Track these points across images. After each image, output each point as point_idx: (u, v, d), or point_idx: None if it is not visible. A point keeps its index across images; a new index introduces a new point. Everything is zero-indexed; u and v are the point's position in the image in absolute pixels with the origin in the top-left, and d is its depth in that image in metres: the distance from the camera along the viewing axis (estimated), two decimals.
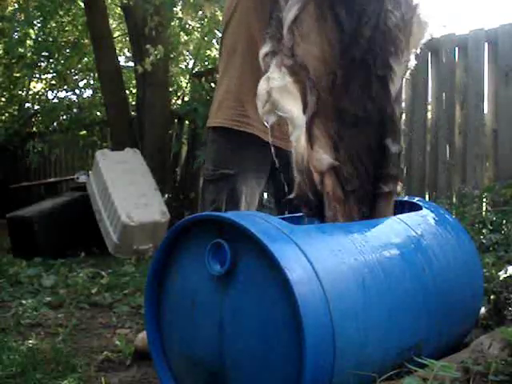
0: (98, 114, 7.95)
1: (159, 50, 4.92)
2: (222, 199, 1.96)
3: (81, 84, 8.61)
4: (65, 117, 8.25)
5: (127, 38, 7.17)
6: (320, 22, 1.62)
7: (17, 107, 9.48)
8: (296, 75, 1.61)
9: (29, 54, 7.77)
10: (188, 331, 1.50)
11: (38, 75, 9.05)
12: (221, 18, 5.65)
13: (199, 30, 6.75)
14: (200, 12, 5.73)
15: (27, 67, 8.08)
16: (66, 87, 8.57)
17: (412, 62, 1.72)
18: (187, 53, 7.36)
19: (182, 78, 7.74)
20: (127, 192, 4.74)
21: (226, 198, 1.96)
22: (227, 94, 2.03)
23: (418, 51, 1.74)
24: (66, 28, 8.21)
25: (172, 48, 6.35)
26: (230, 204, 1.95)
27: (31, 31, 7.47)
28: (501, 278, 2.16)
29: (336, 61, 1.63)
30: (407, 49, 1.67)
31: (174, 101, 6.83)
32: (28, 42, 7.58)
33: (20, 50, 7.39)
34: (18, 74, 8.97)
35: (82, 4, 6.51)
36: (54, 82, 9.03)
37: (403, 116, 4.35)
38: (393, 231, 1.66)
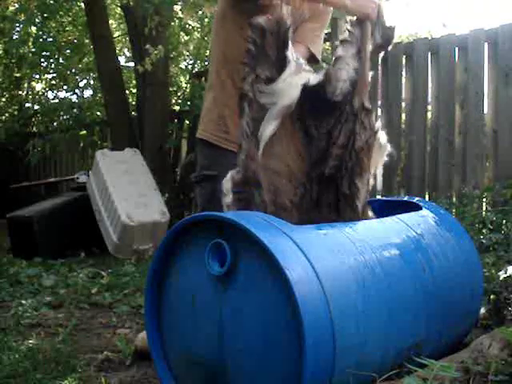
0: (98, 113, 7.94)
1: (159, 50, 4.92)
2: (205, 200, 2.04)
3: (81, 84, 8.62)
4: (65, 117, 8.25)
5: (127, 38, 7.17)
6: (292, 136, 1.70)
7: (17, 107, 9.48)
8: (239, 193, 1.70)
9: (29, 55, 7.77)
10: (188, 331, 1.50)
11: (38, 75, 9.05)
12: None
13: (199, 30, 6.75)
14: (200, 12, 5.73)
15: (30, 66, 8.07)
16: (66, 87, 8.57)
17: (372, 182, 1.81)
18: (187, 53, 7.36)
19: (182, 78, 7.74)
20: (127, 192, 4.74)
21: (208, 197, 2.03)
22: (212, 105, 2.11)
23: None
24: (67, 28, 8.22)
25: (172, 48, 6.34)
26: (212, 204, 1.99)
27: (33, 30, 7.46)
28: (501, 278, 2.16)
29: (305, 174, 1.72)
30: (369, 170, 1.76)
31: (174, 101, 6.83)
32: (29, 42, 7.58)
33: (22, 50, 7.39)
34: (18, 74, 8.97)
35: (82, 4, 6.51)
36: (54, 82, 9.03)
37: (403, 116, 4.38)
38: (393, 231, 1.66)
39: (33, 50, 7.62)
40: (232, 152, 2.03)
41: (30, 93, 9.51)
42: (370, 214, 1.79)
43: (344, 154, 1.71)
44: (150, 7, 5.02)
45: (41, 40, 7.53)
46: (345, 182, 1.72)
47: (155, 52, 4.90)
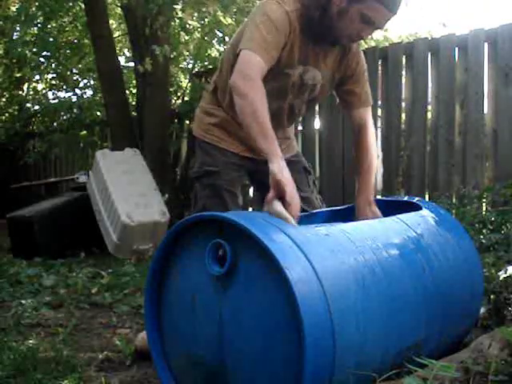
0: (98, 113, 7.94)
1: (165, 50, 4.91)
2: (207, 195, 2.05)
3: (81, 84, 8.61)
4: (65, 117, 8.25)
5: (127, 38, 7.16)
6: None
7: (17, 107, 9.48)
8: None
9: (29, 55, 7.75)
10: (188, 331, 1.50)
11: (38, 75, 9.05)
12: (221, 18, 5.66)
13: (199, 29, 6.75)
14: (203, 9, 5.71)
15: (32, 67, 8.07)
16: (66, 87, 8.57)
17: None
18: (187, 53, 7.35)
19: (182, 78, 7.73)
20: (127, 192, 4.74)
21: (210, 192, 2.04)
22: (215, 110, 2.11)
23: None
24: (67, 28, 8.21)
25: (172, 48, 6.33)
26: (215, 199, 2.02)
27: (34, 30, 7.45)
28: (501, 278, 2.16)
29: None
30: None
31: (174, 101, 6.83)
32: (31, 42, 7.57)
33: (24, 50, 7.37)
34: (18, 74, 8.96)
35: (82, 4, 6.50)
36: (54, 82, 9.02)
37: (403, 116, 4.38)
38: (393, 231, 1.66)
39: (34, 49, 7.60)
40: (231, 152, 2.07)
41: (30, 93, 9.51)
42: None
43: None
44: (154, 7, 5.01)
45: (41, 40, 7.51)
46: None
47: (158, 52, 4.88)
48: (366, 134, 2.05)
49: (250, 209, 5.08)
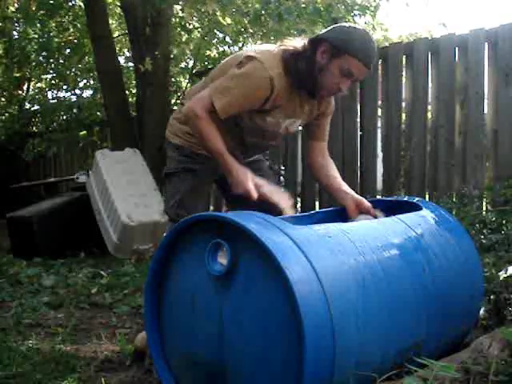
0: (98, 114, 7.93)
1: (180, 51, 4.91)
2: (183, 190, 2.15)
3: (81, 84, 8.61)
4: (65, 117, 8.25)
5: (127, 38, 7.16)
6: None
7: (17, 107, 9.47)
8: None
9: (33, 55, 7.74)
10: (188, 331, 1.50)
11: (38, 75, 9.05)
12: (220, 19, 5.66)
13: (199, 29, 6.75)
14: (201, 9, 5.71)
15: (35, 65, 8.05)
16: (66, 87, 8.56)
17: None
18: (188, 52, 7.35)
19: (182, 78, 7.73)
20: (127, 192, 4.73)
21: (190, 187, 2.15)
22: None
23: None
24: (68, 28, 8.21)
25: (172, 48, 6.33)
26: (194, 193, 2.14)
27: (38, 27, 7.44)
28: (501, 278, 2.16)
29: None
30: None
31: (173, 101, 6.83)
32: (33, 41, 7.56)
33: (26, 49, 7.36)
34: (18, 74, 8.97)
35: (82, 4, 6.50)
36: (54, 82, 9.02)
37: (403, 116, 4.37)
38: (393, 231, 1.66)
39: (35, 48, 7.59)
40: (209, 157, 2.10)
41: (30, 93, 9.50)
42: None
43: None
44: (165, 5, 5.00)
45: (41, 40, 7.51)
46: None
47: (176, 52, 4.86)
48: (328, 158, 2.22)
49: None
